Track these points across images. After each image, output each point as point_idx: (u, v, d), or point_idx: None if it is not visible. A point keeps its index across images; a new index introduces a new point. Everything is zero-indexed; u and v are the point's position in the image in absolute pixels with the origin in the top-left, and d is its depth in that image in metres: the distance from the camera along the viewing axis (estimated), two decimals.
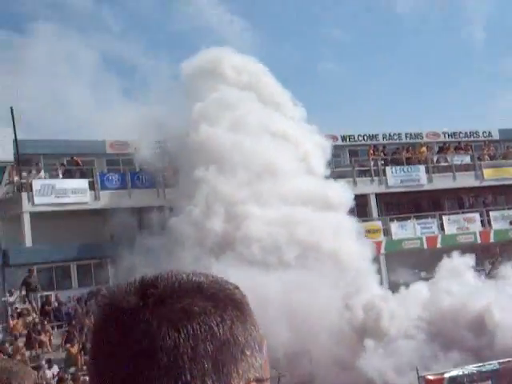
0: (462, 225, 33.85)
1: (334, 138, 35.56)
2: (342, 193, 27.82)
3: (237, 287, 1.14)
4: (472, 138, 39.81)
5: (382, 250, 30.55)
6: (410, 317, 21.47)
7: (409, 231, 32.23)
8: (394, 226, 32.26)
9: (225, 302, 1.09)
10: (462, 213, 35.31)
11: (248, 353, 1.07)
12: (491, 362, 18.51)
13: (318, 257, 23.32)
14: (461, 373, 17.78)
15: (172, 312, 1.04)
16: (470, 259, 24.10)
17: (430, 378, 17.27)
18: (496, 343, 19.58)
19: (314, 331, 20.33)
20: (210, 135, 26.91)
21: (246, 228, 24.70)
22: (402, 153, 36.03)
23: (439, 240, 32.09)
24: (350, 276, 23.24)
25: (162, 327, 1.02)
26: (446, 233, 32.90)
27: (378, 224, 32.24)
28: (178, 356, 1.01)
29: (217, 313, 1.06)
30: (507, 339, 19.34)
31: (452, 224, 33.72)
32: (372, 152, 34.94)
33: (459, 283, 22.71)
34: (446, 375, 17.54)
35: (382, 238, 31.51)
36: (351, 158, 35.97)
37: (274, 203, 25.78)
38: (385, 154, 35.80)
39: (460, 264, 24.01)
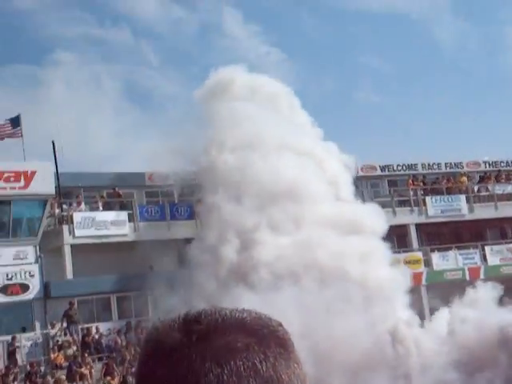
0: (505, 255, 33.26)
1: (373, 168, 35.37)
2: (375, 217, 26.56)
3: (280, 324, 1.13)
4: None
5: (424, 281, 30.12)
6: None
7: (450, 262, 31.77)
8: (435, 257, 31.83)
9: (268, 338, 1.08)
10: (505, 243, 34.72)
11: None
12: None
13: (343, 283, 22.19)
14: None
15: (215, 348, 1.04)
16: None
17: None
18: None
19: (338, 361, 19.77)
20: (218, 158, 26.39)
21: (257, 254, 24.09)
22: (442, 182, 35.69)
23: (482, 271, 31.54)
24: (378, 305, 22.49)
25: (205, 363, 1.02)
26: (489, 264, 32.35)
27: (419, 255, 31.86)
28: None
29: (260, 349, 1.06)
30: None
31: (495, 255, 33.16)
32: (411, 182, 34.64)
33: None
34: None
35: (422, 268, 31.09)
36: (390, 188, 35.69)
37: (292, 227, 24.88)
38: (424, 184, 35.47)
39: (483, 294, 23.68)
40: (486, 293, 23.94)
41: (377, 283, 23.66)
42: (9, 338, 24.34)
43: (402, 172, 36.93)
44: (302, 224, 24.99)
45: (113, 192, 30.04)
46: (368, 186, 34.25)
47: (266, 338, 1.08)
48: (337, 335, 19.95)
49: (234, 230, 24.93)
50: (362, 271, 23.89)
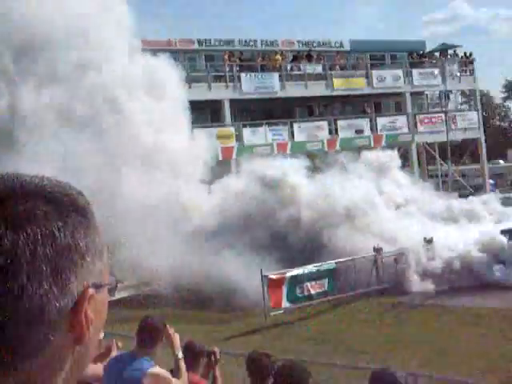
0: (311, 132, 35.19)
1: (191, 42, 35.41)
2: (174, 82, 25.66)
3: (81, 193, 1.12)
4: (324, 48, 40.88)
5: (234, 156, 31.29)
6: None
7: (260, 137, 33.08)
8: (247, 132, 33.04)
9: (68, 206, 1.07)
10: (312, 121, 36.66)
11: (88, 259, 1.07)
12: (329, 262, 19.97)
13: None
14: (301, 272, 19.07)
15: (12, 214, 1.02)
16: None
17: (273, 277, 18.41)
18: None
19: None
20: None
21: None
22: (257, 59, 36.51)
23: (289, 147, 33.25)
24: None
25: (0, 228, 1.00)
26: (296, 140, 34.12)
27: (231, 130, 32.90)
28: (15, 258, 0.99)
29: (59, 217, 1.05)
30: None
31: (302, 131, 34.94)
32: (228, 58, 35.15)
33: None
34: (288, 274, 18.75)
35: (234, 143, 32.25)
36: (207, 62, 36.05)
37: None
38: (241, 60, 36.11)
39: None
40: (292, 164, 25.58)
41: (172, 152, 23.96)
42: None
43: (219, 47, 37.32)
44: None
45: None
46: (185, 59, 34.30)
47: (65, 206, 1.07)
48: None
49: None
50: (156, 138, 23.82)
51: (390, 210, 23.75)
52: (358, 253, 20.61)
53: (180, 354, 5.36)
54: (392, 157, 28.21)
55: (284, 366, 4.68)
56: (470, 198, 27.80)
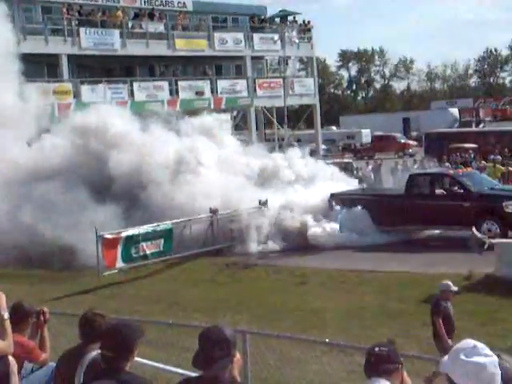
0: (152, 92, 34.97)
1: None
2: None
3: None
4: (167, 7, 40.52)
5: (71, 113, 30.49)
6: None
7: (99, 95, 32.41)
8: (85, 89, 32.28)
9: None
10: (153, 80, 36.40)
11: None
12: (166, 223, 20.14)
13: None
14: (137, 232, 19.10)
15: None
16: None
17: (108, 237, 18.31)
18: None
19: None
20: None
21: None
22: (98, 15, 35.56)
23: (128, 105, 32.86)
24: None
25: None
26: (136, 99, 33.79)
27: (69, 86, 32.01)
28: None
29: None
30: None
31: (142, 91, 34.65)
32: (66, 11, 33.95)
33: None
34: (123, 234, 18.72)
35: (71, 100, 31.43)
36: (44, 15, 34.64)
37: None
38: (80, 15, 34.99)
39: None
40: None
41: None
42: None
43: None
44: None
45: None
46: (20, 10, 32.78)
47: None
48: None
49: None
50: None
51: (223, 173, 24.05)
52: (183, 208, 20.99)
53: (6, 315, 5.31)
54: (223, 121, 28.32)
55: (113, 325, 4.68)
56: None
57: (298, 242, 21.14)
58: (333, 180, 24.76)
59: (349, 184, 24.81)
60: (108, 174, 22.53)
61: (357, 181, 27.10)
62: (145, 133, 24.42)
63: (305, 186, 23.62)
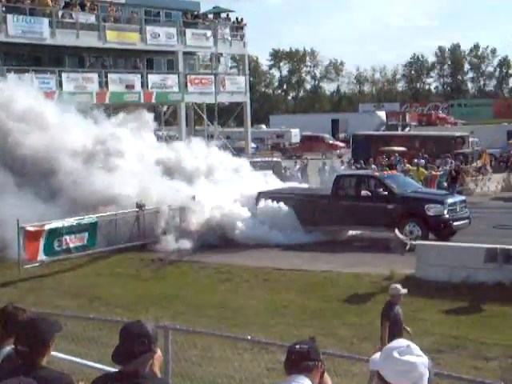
0: (81, 84, 34.36)
1: None
2: None
3: None
4: None
5: None
6: None
7: (26, 84, 31.56)
8: (11, 78, 31.39)
9: None
10: (82, 72, 35.76)
11: None
12: (91, 216, 19.85)
13: None
14: (61, 225, 18.75)
15: None
16: None
17: (31, 229, 17.91)
18: None
19: None
20: None
21: None
22: (26, 1, 34.66)
23: (56, 96, 32.17)
24: None
25: None
26: (64, 90, 33.12)
27: None
28: None
29: None
30: None
31: (71, 82, 33.99)
32: None
33: None
34: (46, 227, 18.34)
35: None
36: None
37: None
38: (7, 1, 34.06)
39: None
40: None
41: None
42: None
43: None
44: None
45: None
46: None
47: None
48: None
49: None
50: None
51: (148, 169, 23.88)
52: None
53: None
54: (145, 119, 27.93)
55: (29, 320, 4.58)
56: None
57: (223, 239, 21.15)
58: (239, 173, 24.88)
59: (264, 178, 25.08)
60: (19, 155, 22.16)
61: (270, 172, 27.38)
62: (60, 116, 24.19)
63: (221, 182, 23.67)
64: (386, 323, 9.81)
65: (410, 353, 2.94)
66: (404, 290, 10.13)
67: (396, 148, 38.76)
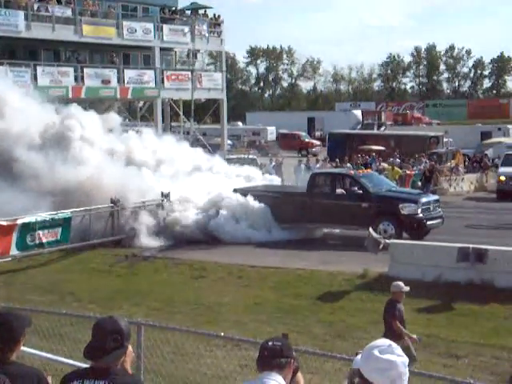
0: (56, 78, 34.08)
1: None
2: None
3: None
4: None
5: None
6: None
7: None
8: None
9: None
10: (58, 66, 35.48)
11: None
12: (64, 211, 19.69)
13: None
14: (34, 220, 18.58)
15: None
16: None
17: (3, 223, 17.74)
18: None
19: None
20: None
21: None
22: None
23: (31, 89, 31.82)
24: None
25: None
26: (39, 84, 32.83)
27: None
28: None
29: None
30: None
31: (46, 76, 33.71)
32: None
33: None
34: (19, 221, 18.17)
35: None
36: None
37: None
38: None
39: None
40: None
41: None
42: None
43: None
44: None
45: None
46: None
47: None
48: None
49: None
50: None
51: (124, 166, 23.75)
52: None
53: None
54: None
55: None
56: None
57: (198, 236, 21.12)
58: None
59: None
60: None
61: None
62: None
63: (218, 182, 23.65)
64: (394, 322, 9.47)
65: (391, 352, 2.98)
66: (406, 288, 9.91)
67: (374, 147, 38.98)
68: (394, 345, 3.05)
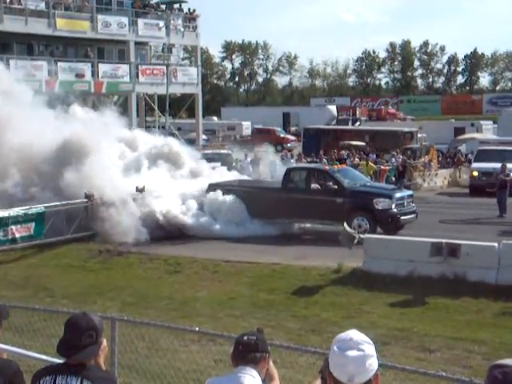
0: (29, 71, 33.74)
1: None
2: None
3: None
4: None
5: None
6: None
7: None
8: None
9: None
10: (31, 59, 35.15)
11: None
12: (38, 206, 19.55)
13: None
14: (6, 214, 18.43)
15: None
16: None
17: None
18: None
19: None
20: None
21: None
22: None
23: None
24: None
25: None
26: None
27: None
28: None
29: None
30: None
31: (19, 69, 33.31)
32: None
33: None
34: None
35: None
36: None
37: None
38: None
39: None
40: None
41: None
42: None
43: None
44: None
45: None
46: None
47: None
48: None
49: None
50: None
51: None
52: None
53: None
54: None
55: None
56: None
57: (172, 231, 21.06)
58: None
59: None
60: None
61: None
62: None
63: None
64: None
65: (351, 347, 2.89)
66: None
67: (354, 142, 39.19)
68: (356, 338, 2.94)
